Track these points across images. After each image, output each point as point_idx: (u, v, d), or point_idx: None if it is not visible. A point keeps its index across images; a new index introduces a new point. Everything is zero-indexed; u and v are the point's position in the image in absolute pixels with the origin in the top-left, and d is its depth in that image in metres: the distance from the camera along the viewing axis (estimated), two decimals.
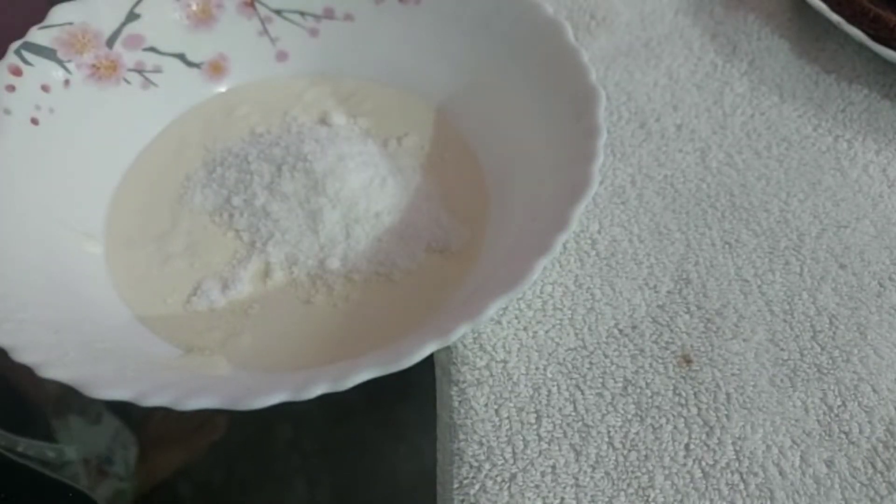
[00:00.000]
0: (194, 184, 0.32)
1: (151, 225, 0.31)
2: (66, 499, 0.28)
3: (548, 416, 0.26)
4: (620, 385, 0.27)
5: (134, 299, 0.29)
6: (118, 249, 0.30)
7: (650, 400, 0.27)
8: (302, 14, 0.35)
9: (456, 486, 0.25)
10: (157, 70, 0.34)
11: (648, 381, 0.27)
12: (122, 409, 0.31)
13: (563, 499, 0.24)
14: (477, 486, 0.25)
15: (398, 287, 0.29)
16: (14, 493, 0.28)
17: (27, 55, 0.30)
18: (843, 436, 0.26)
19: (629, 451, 0.25)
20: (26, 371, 0.21)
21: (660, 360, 0.28)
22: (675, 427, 0.26)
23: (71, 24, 0.31)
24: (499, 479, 0.25)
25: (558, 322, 0.29)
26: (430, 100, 0.35)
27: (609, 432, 0.26)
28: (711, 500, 0.24)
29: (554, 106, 0.30)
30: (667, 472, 0.25)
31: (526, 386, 0.27)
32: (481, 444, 0.26)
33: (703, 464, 0.25)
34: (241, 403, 0.21)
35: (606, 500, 0.24)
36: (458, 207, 0.32)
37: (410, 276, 0.29)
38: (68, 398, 0.31)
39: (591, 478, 0.25)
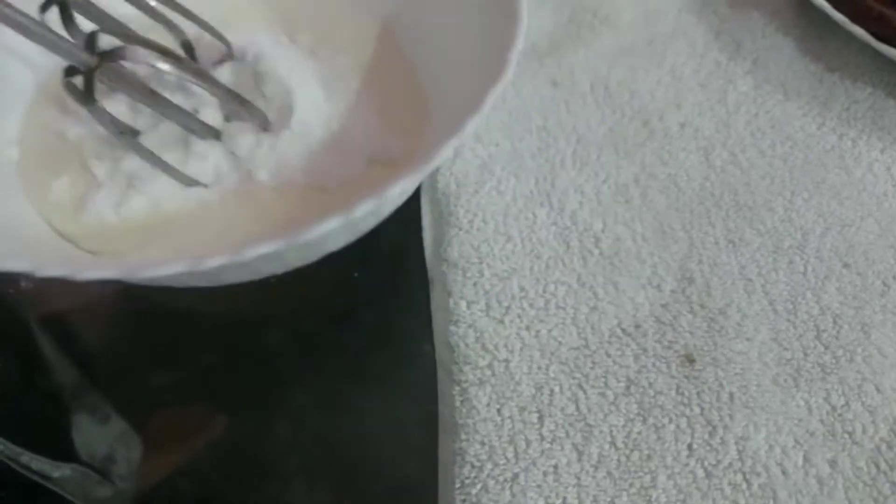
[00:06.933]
0: (105, 93, 0.31)
1: (62, 134, 0.31)
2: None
3: (550, 416, 0.26)
4: (623, 384, 0.27)
5: (45, 210, 0.28)
6: (31, 158, 0.30)
7: (653, 399, 0.26)
8: None
9: (458, 485, 0.25)
10: None
11: (651, 380, 0.27)
12: (128, 409, 0.31)
13: (565, 498, 0.24)
14: (479, 486, 0.25)
15: (331, 196, 0.29)
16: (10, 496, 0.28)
17: None
18: (846, 436, 0.26)
19: (631, 450, 0.25)
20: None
21: (663, 360, 0.27)
22: (678, 427, 0.26)
23: None
24: (501, 478, 0.25)
25: (561, 321, 0.28)
26: (373, 14, 0.35)
27: (611, 432, 0.26)
28: (714, 500, 0.24)
29: (484, 13, 0.30)
30: (669, 471, 0.25)
31: (528, 385, 0.27)
32: (483, 443, 0.26)
33: (706, 464, 0.25)
34: (137, 273, 0.20)
35: (609, 499, 0.24)
36: (398, 119, 0.32)
37: (347, 187, 0.29)
38: (80, 395, 0.31)
39: (594, 477, 0.25)
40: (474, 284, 0.29)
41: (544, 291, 0.29)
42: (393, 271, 0.33)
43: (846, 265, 0.30)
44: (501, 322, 0.28)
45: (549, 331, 0.28)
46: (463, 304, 0.29)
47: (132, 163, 0.29)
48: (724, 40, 0.39)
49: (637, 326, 0.28)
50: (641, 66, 0.37)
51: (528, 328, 0.28)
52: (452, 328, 0.28)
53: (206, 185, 0.30)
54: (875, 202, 0.32)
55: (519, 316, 0.29)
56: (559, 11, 0.40)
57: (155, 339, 0.32)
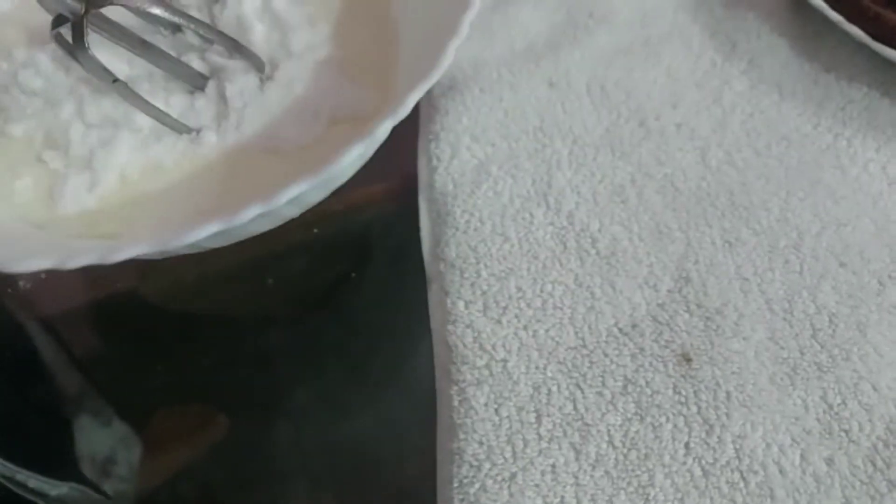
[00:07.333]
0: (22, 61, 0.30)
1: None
2: None
3: (548, 416, 0.26)
4: (620, 384, 0.27)
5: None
6: None
7: (650, 399, 0.27)
8: None
9: (456, 485, 0.25)
10: None
11: (648, 379, 0.27)
12: (128, 410, 0.31)
13: (563, 498, 0.24)
14: (477, 486, 0.25)
15: (288, 160, 0.28)
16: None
17: None
18: (843, 434, 0.26)
19: (629, 449, 0.25)
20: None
21: (660, 359, 0.28)
22: (675, 426, 0.26)
23: None
24: (499, 478, 0.25)
25: (558, 321, 0.29)
26: None
27: (609, 431, 0.26)
28: (711, 499, 0.24)
29: None
30: (667, 470, 0.25)
31: (526, 385, 0.27)
32: (481, 443, 0.26)
33: (703, 462, 0.25)
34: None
35: (606, 498, 0.24)
36: (365, 71, 0.30)
37: (305, 150, 0.28)
38: (78, 399, 0.31)
39: (591, 476, 0.25)
40: (472, 284, 0.30)
41: (541, 291, 0.29)
42: (391, 271, 0.34)
43: (842, 264, 0.30)
44: (499, 322, 0.28)
45: (547, 331, 0.28)
46: (461, 304, 0.29)
47: (81, 147, 0.28)
48: (719, 40, 0.39)
49: (634, 326, 0.28)
50: (637, 67, 0.37)
51: (525, 328, 0.28)
52: (450, 328, 0.28)
53: (196, 130, 0.29)
54: (870, 201, 0.32)
55: (516, 316, 0.29)
56: (555, 12, 0.40)
57: (155, 340, 0.32)
